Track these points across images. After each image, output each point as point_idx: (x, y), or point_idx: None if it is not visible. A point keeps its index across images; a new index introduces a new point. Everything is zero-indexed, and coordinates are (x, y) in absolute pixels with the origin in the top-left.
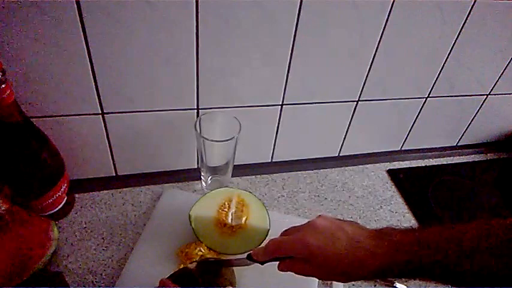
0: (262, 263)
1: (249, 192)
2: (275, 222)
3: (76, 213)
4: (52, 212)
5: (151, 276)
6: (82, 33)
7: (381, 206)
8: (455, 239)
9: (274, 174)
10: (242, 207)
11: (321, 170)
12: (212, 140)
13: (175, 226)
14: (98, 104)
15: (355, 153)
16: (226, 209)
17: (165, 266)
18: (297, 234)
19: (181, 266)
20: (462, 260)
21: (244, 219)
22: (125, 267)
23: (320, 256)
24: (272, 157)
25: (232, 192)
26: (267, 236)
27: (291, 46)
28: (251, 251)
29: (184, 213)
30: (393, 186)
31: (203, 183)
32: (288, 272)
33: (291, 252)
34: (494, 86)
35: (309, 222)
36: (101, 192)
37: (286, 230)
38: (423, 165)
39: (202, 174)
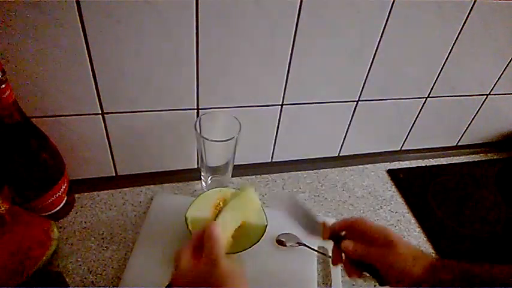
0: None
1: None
2: (273, 220)
3: (76, 213)
4: (52, 212)
5: (152, 277)
6: (82, 33)
7: (380, 206)
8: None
9: (274, 174)
10: None
11: (321, 170)
12: (212, 140)
13: (173, 229)
14: (98, 104)
15: (355, 153)
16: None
17: (166, 268)
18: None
19: None
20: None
21: None
22: (125, 273)
23: (396, 246)
24: (272, 157)
25: (225, 192)
26: (265, 231)
27: (291, 46)
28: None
29: (180, 216)
30: (393, 186)
31: (203, 183)
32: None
33: (373, 230)
34: (494, 86)
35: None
36: (101, 192)
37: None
38: (423, 165)
39: (202, 174)
